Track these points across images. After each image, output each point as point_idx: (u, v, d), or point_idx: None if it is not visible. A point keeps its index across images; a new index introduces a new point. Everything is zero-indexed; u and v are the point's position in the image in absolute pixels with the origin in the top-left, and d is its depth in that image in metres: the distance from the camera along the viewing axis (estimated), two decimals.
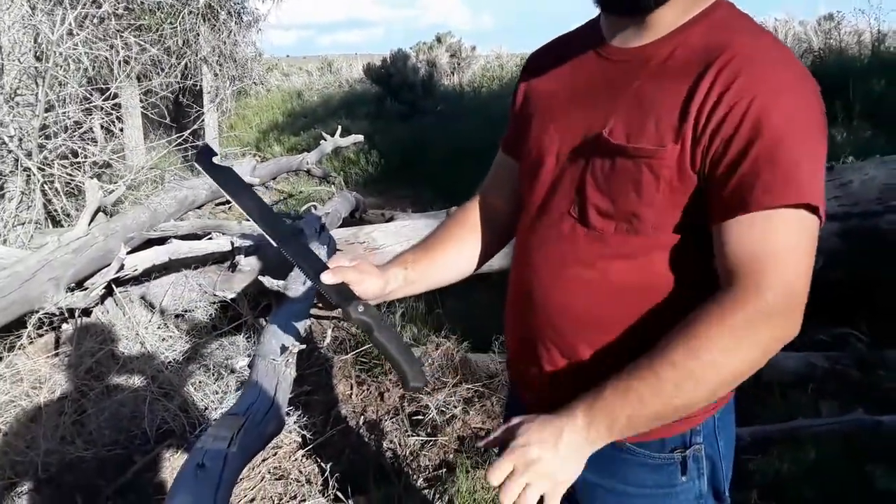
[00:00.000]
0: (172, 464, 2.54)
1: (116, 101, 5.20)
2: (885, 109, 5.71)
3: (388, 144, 8.05)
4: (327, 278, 1.02)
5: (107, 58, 4.84)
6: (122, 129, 5.65)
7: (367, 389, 2.99)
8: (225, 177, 1.06)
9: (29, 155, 3.93)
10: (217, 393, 2.88)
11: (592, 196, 0.94)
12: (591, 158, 0.94)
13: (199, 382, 2.98)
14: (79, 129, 4.36)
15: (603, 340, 0.97)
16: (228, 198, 1.07)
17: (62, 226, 4.08)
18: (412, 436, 2.66)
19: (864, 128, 5.51)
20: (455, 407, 2.81)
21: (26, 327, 3.01)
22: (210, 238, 3.53)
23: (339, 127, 6.81)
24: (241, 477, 2.39)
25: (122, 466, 2.51)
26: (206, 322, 3.45)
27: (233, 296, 3.38)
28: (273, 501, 2.35)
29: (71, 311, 3.12)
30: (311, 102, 12.85)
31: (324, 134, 6.79)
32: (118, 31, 5.04)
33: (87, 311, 3.21)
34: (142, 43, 5.21)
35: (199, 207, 4.61)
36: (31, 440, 2.59)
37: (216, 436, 1.27)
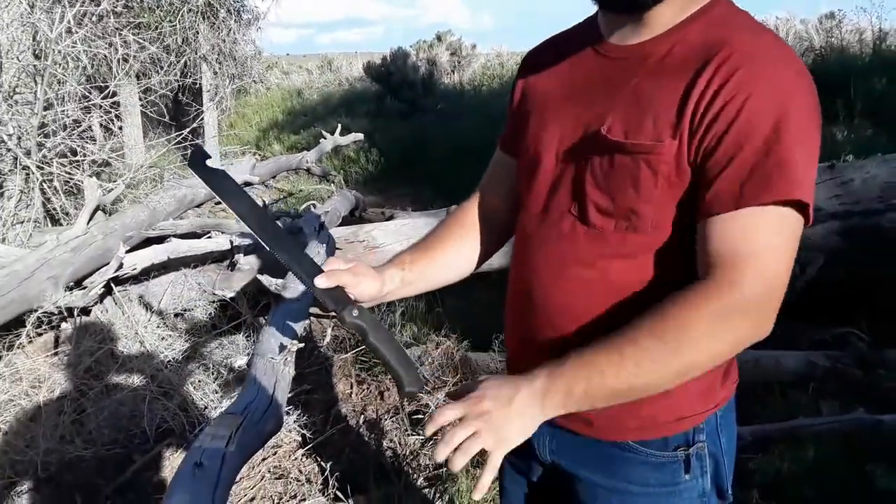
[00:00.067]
0: (172, 463, 2.53)
1: (115, 99, 5.20)
2: (887, 108, 5.71)
3: (388, 143, 8.05)
4: (321, 282, 1.00)
5: (106, 56, 4.83)
6: (121, 128, 5.64)
7: (367, 388, 2.99)
8: (218, 179, 1.05)
9: (28, 153, 3.93)
10: (216, 392, 2.88)
11: (592, 194, 0.94)
12: (589, 156, 0.94)
13: (199, 381, 2.98)
14: (78, 127, 4.36)
15: None
16: (221, 201, 1.05)
17: (61, 224, 4.08)
18: (412, 435, 2.66)
19: (865, 126, 5.51)
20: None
21: (25, 326, 3.00)
22: (209, 237, 3.52)
23: (339, 125, 6.82)
24: (240, 476, 2.39)
25: (122, 465, 2.51)
26: (205, 321, 3.45)
27: (232, 294, 3.38)
28: (273, 500, 2.35)
29: (70, 311, 3.11)
30: (310, 101, 12.85)
31: (324, 132, 6.80)
32: (117, 28, 5.03)
33: (86, 310, 3.21)
34: (141, 41, 5.21)
35: (198, 206, 4.61)
36: (30, 439, 2.58)
37: (214, 435, 1.27)
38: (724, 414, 1.03)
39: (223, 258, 3.51)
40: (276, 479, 2.45)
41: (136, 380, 2.96)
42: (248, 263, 3.40)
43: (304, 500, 2.33)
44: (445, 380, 2.99)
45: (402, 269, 1.12)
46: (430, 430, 0.88)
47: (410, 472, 2.48)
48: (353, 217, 4.59)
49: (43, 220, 4.10)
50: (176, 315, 3.47)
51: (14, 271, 2.93)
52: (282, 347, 1.78)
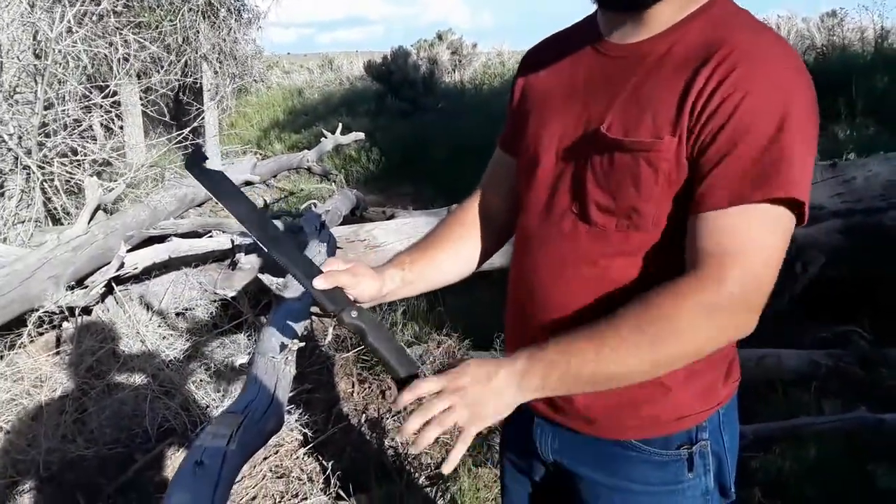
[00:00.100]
0: (174, 462, 2.53)
1: (116, 98, 5.20)
2: (888, 106, 5.70)
3: (389, 142, 8.05)
4: (320, 283, 1.00)
5: (106, 55, 4.83)
6: (121, 127, 5.64)
7: (369, 387, 2.98)
8: (215, 181, 1.04)
9: (28, 153, 3.93)
10: (218, 391, 2.88)
11: (593, 192, 0.94)
12: (589, 154, 0.94)
13: (200, 381, 2.98)
14: (78, 126, 4.36)
15: None
16: (219, 202, 1.05)
17: (62, 224, 4.08)
18: (414, 433, 2.65)
19: (867, 124, 5.51)
20: None
21: (26, 325, 3.01)
22: (210, 236, 3.52)
23: (340, 124, 6.82)
24: (242, 475, 2.39)
25: (124, 465, 2.51)
26: (206, 320, 3.45)
27: (233, 294, 3.38)
28: (274, 499, 2.35)
29: (71, 310, 3.11)
30: (311, 100, 12.85)
31: (324, 131, 6.80)
32: (117, 28, 5.03)
33: (87, 310, 3.21)
34: (141, 40, 5.20)
35: (199, 205, 4.61)
36: (32, 438, 2.59)
37: (215, 433, 1.26)
38: (727, 412, 1.03)
39: (224, 257, 3.51)
40: (278, 477, 2.45)
41: (137, 379, 2.96)
42: (249, 262, 3.40)
43: (306, 498, 2.33)
44: None
45: (402, 270, 1.11)
46: (407, 400, 0.89)
47: (412, 471, 2.48)
48: (354, 216, 4.59)
49: (44, 219, 4.10)
50: (177, 314, 3.47)
51: (15, 271, 2.93)
52: (283, 346, 1.77)
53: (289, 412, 2.63)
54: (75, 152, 4.31)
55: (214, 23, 7.08)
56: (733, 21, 0.89)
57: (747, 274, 0.83)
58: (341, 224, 3.94)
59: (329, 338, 3.19)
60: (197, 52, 6.89)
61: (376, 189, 6.76)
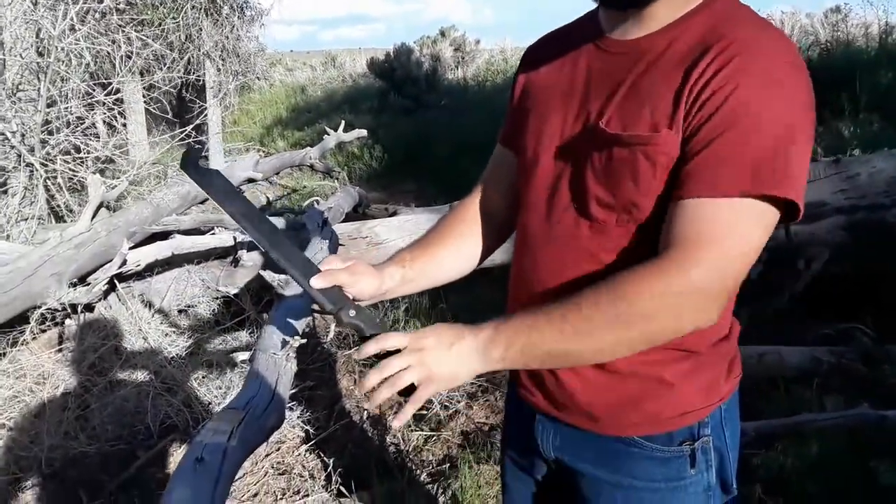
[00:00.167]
0: (176, 459, 2.54)
1: (119, 96, 5.20)
2: (893, 102, 5.67)
3: (392, 139, 8.04)
4: (317, 282, 1.00)
5: (109, 53, 4.83)
6: (124, 125, 5.64)
7: None
8: (211, 180, 1.03)
9: (31, 150, 3.93)
10: (220, 388, 2.89)
11: (592, 188, 0.93)
12: (589, 150, 0.94)
13: (203, 377, 2.98)
14: (81, 124, 4.36)
15: None
16: (215, 201, 1.04)
17: (65, 221, 4.09)
18: (415, 431, 2.66)
19: (871, 120, 5.47)
20: (458, 402, 2.81)
21: (29, 323, 3.01)
22: (213, 233, 3.52)
23: (343, 122, 6.80)
24: (244, 472, 2.40)
25: (126, 461, 2.52)
26: (208, 317, 3.46)
27: (235, 291, 3.38)
28: (276, 496, 2.35)
29: (74, 307, 3.12)
30: (314, 97, 12.85)
31: (327, 129, 6.78)
32: (120, 25, 5.03)
33: (89, 307, 3.21)
34: (144, 38, 5.20)
35: (202, 202, 4.61)
36: (34, 435, 2.59)
37: (216, 430, 1.27)
38: (728, 408, 1.03)
39: (227, 254, 3.51)
40: (280, 474, 2.46)
41: (139, 376, 2.97)
42: (251, 260, 3.40)
43: (308, 495, 2.33)
44: None
45: (402, 267, 1.11)
46: (370, 351, 0.91)
47: (414, 467, 2.48)
48: (357, 213, 4.58)
49: (47, 216, 4.10)
50: (180, 311, 3.48)
51: (18, 268, 2.94)
52: (284, 343, 1.78)
53: (290, 409, 2.64)
54: (78, 150, 4.31)
55: (217, 20, 7.07)
56: (734, 16, 0.89)
57: (715, 264, 0.83)
58: (344, 221, 3.93)
59: (331, 335, 3.19)
60: (200, 50, 6.89)
61: (379, 186, 6.76)
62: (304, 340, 1.85)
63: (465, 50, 12.85)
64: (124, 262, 3.15)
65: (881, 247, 3.15)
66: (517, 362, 0.90)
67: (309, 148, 6.48)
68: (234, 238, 3.39)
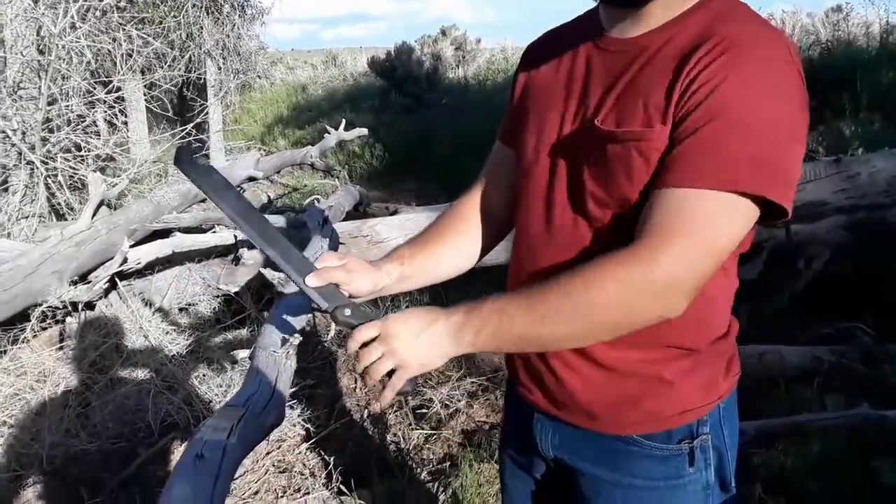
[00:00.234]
0: (176, 456, 2.54)
1: (119, 94, 5.20)
2: (894, 101, 5.66)
3: (393, 138, 8.04)
4: (312, 281, 1.00)
5: (110, 51, 4.84)
6: (125, 123, 5.64)
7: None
8: (205, 176, 1.02)
9: (32, 148, 3.94)
10: (221, 386, 2.89)
11: (589, 185, 0.94)
12: (585, 148, 0.94)
13: (203, 376, 2.98)
14: (82, 122, 4.36)
15: None
16: (209, 198, 1.03)
17: (65, 219, 4.09)
18: (416, 429, 2.66)
19: (871, 120, 5.47)
20: (459, 400, 2.81)
21: (30, 320, 3.02)
22: (214, 231, 3.52)
23: (344, 121, 6.80)
24: (245, 469, 2.40)
25: (127, 459, 2.52)
26: (209, 315, 3.46)
27: (236, 289, 3.39)
28: (277, 494, 2.36)
29: (74, 305, 3.12)
30: (315, 96, 12.85)
31: (328, 127, 6.77)
32: (121, 24, 5.03)
33: (90, 305, 3.22)
34: (145, 36, 5.21)
35: (202, 200, 4.61)
36: (35, 433, 2.60)
37: (216, 427, 1.27)
38: (727, 406, 1.03)
39: (227, 252, 3.51)
40: (280, 472, 2.46)
41: (140, 374, 2.97)
42: (252, 258, 3.40)
43: (308, 493, 2.33)
44: (449, 374, 2.99)
45: (400, 264, 1.11)
46: (352, 348, 0.95)
47: (414, 466, 2.48)
48: (358, 212, 4.59)
49: (47, 214, 4.11)
50: (180, 309, 3.48)
51: (18, 266, 2.94)
52: (284, 341, 1.78)
53: (291, 407, 2.64)
54: (79, 148, 4.31)
55: (218, 19, 7.08)
56: (730, 14, 0.89)
57: (685, 253, 0.83)
58: (344, 220, 3.93)
59: (331, 333, 3.19)
60: (201, 48, 6.89)
61: (380, 185, 6.76)
62: (301, 338, 1.85)
63: (466, 49, 12.84)
64: (125, 260, 3.15)
65: (882, 246, 3.15)
66: (489, 346, 0.92)
67: (310, 146, 6.47)
68: (235, 236, 3.39)
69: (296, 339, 1.78)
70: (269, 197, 5.47)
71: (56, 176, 4.08)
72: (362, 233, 3.59)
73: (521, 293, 0.90)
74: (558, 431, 1.06)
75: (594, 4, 0.99)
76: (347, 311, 0.98)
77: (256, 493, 2.36)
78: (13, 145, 3.92)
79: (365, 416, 2.78)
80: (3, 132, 3.87)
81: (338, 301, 0.99)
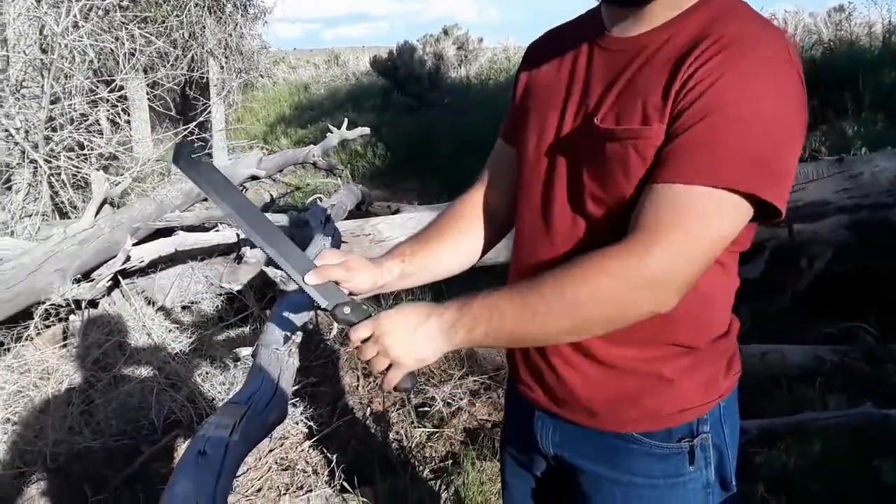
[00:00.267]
0: (179, 454, 2.55)
1: (122, 93, 5.21)
2: None
3: (395, 137, 8.04)
4: (312, 279, 1.00)
5: (112, 50, 4.85)
6: (128, 122, 5.66)
7: (374, 381, 2.99)
8: (204, 175, 1.01)
9: (35, 147, 3.95)
10: (223, 384, 2.90)
11: (588, 184, 0.94)
12: (585, 147, 0.94)
13: (206, 373, 2.99)
14: (85, 121, 4.37)
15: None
16: (207, 196, 1.02)
17: (69, 217, 4.10)
18: (418, 427, 2.66)
19: (874, 120, 5.46)
20: (461, 399, 2.81)
21: (33, 318, 3.02)
22: (216, 230, 3.53)
23: (346, 120, 6.80)
24: (247, 467, 2.40)
25: (130, 456, 2.53)
26: (212, 314, 3.47)
27: (239, 287, 3.39)
28: (279, 491, 2.36)
29: (78, 303, 3.13)
30: (317, 95, 12.86)
31: (330, 126, 6.78)
32: (123, 23, 5.04)
33: (93, 303, 3.22)
34: (147, 35, 5.22)
35: (205, 199, 4.61)
36: (39, 430, 2.60)
37: (218, 424, 1.27)
38: (728, 405, 1.02)
39: (230, 251, 3.52)
40: (283, 470, 2.46)
41: (143, 371, 2.98)
42: (254, 256, 3.41)
43: (311, 491, 2.34)
44: (452, 373, 2.99)
45: (401, 261, 1.11)
46: (351, 347, 0.97)
47: (416, 464, 2.48)
48: (360, 211, 4.60)
49: (51, 213, 4.12)
50: (183, 308, 3.49)
51: (22, 264, 2.95)
52: (286, 338, 1.78)
53: (294, 405, 2.65)
54: (82, 146, 4.32)
55: (220, 18, 7.09)
56: (730, 12, 0.89)
57: (677, 248, 0.83)
58: (347, 219, 3.94)
59: (334, 331, 3.20)
60: (203, 48, 6.90)
61: (382, 184, 6.77)
62: (302, 335, 1.85)
63: (469, 48, 12.83)
64: (128, 259, 3.16)
65: (884, 246, 3.15)
66: (482, 342, 0.92)
67: (312, 146, 6.48)
68: (238, 235, 3.40)
69: (298, 337, 1.79)
70: (271, 196, 5.48)
71: (59, 174, 4.09)
72: (364, 231, 3.60)
73: (514, 289, 0.90)
74: (559, 429, 1.06)
75: (596, 3, 1.00)
76: (347, 309, 0.98)
77: (259, 490, 2.36)
78: (16, 144, 3.93)
79: (367, 414, 2.79)
80: (7, 131, 3.88)
81: (337, 299, 0.99)
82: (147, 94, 6.30)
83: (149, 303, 3.39)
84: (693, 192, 0.82)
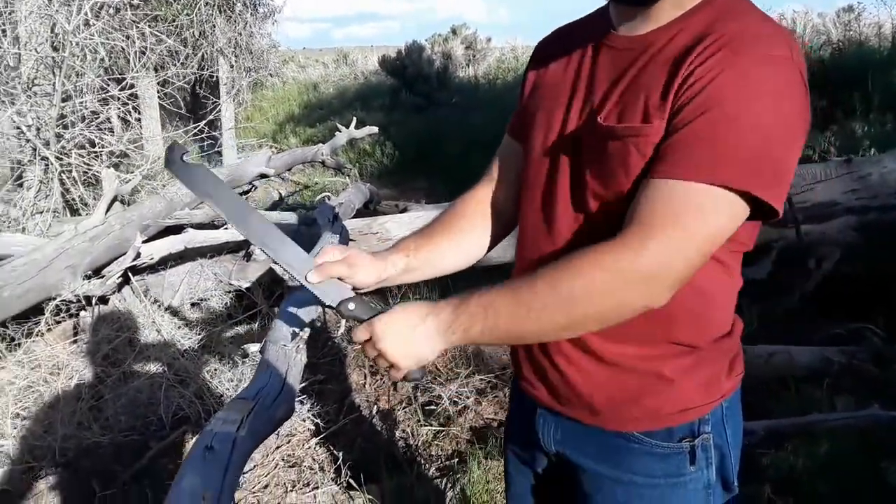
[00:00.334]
0: (188, 450, 2.56)
1: (133, 91, 5.24)
2: None
3: (403, 136, 8.05)
4: (314, 277, 1.00)
5: (123, 48, 4.87)
6: (139, 120, 5.68)
7: (381, 379, 3.00)
8: (197, 178, 1.00)
9: (47, 144, 3.97)
10: (232, 380, 2.91)
11: (590, 182, 0.94)
12: (588, 145, 0.95)
13: (215, 370, 3.01)
14: (96, 118, 4.40)
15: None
16: (203, 200, 1.02)
17: (79, 214, 4.13)
18: (425, 425, 2.67)
19: (883, 120, 5.42)
20: (468, 397, 2.82)
21: (44, 314, 3.05)
22: (225, 227, 3.55)
23: (355, 119, 6.82)
24: (254, 463, 2.42)
25: (139, 452, 2.54)
26: (221, 310, 3.48)
27: (247, 285, 3.41)
28: (286, 488, 2.37)
29: (88, 299, 3.15)
30: (326, 94, 12.88)
31: (339, 125, 6.80)
32: (134, 21, 5.07)
33: (104, 299, 3.25)
34: (158, 34, 5.24)
35: None
36: (48, 425, 2.62)
37: (225, 419, 1.28)
38: (730, 406, 1.02)
39: (239, 248, 3.54)
40: (290, 466, 2.47)
41: (152, 368, 3.00)
42: (263, 254, 3.43)
43: (317, 488, 2.35)
44: (458, 371, 3.00)
45: (406, 256, 1.12)
46: (356, 346, 0.98)
47: (422, 462, 2.49)
48: (368, 209, 4.61)
49: (62, 210, 4.15)
50: (192, 304, 3.51)
51: (33, 260, 2.98)
52: (294, 335, 1.79)
53: (301, 402, 2.66)
54: (93, 144, 4.35)
55: (230, 17, 7.11)
56: (734, 11, 0.89)
57: (672, 243, 0.83)
58: (355, 217, 3.95)
59: (342, 329, 3.21)
60: (213, 46, 6.93)
61: (390, 183, 6.78)
62: (309, 331, 1.86)
63: (477, 48, 12.82)
64: (138, 256, 3.18)
65: (892, 247, 3.13)
66: (480, 340, 0.93)
67: (321, 144, 6.49)
68: None
69: (305, 333, 1.80)
70: (280, 194, 5.50)
71: (70, 172, 4.12)
72: (372, 230, 3.61)
73: (510, 286, 0.90)
74: (560, 426, 1.06)
75: (604, 2, 1.00)
76: (352, 306, 0.99)
77: (266, 486, 2.38)
78: (28, 141, 3.96)
79: (374, 412, 2.80)
80: (19, 128, 3.92)
81: (342, 295, 0.99)
82: (157, 92, 6.33)
83: (158, 300, 3.41)
84: (690, 189, 0.82)
